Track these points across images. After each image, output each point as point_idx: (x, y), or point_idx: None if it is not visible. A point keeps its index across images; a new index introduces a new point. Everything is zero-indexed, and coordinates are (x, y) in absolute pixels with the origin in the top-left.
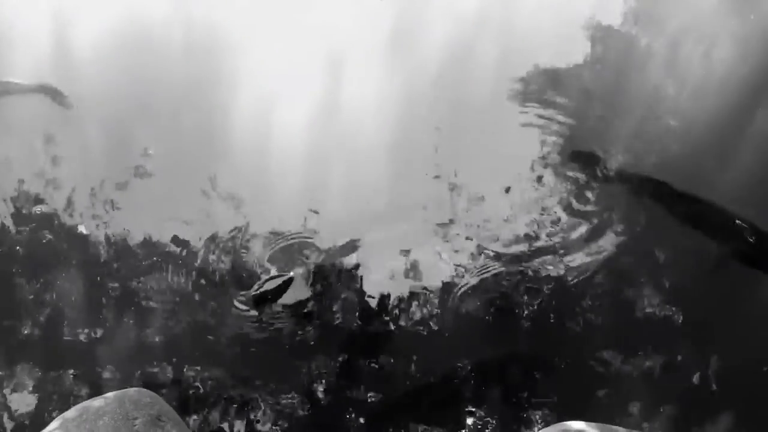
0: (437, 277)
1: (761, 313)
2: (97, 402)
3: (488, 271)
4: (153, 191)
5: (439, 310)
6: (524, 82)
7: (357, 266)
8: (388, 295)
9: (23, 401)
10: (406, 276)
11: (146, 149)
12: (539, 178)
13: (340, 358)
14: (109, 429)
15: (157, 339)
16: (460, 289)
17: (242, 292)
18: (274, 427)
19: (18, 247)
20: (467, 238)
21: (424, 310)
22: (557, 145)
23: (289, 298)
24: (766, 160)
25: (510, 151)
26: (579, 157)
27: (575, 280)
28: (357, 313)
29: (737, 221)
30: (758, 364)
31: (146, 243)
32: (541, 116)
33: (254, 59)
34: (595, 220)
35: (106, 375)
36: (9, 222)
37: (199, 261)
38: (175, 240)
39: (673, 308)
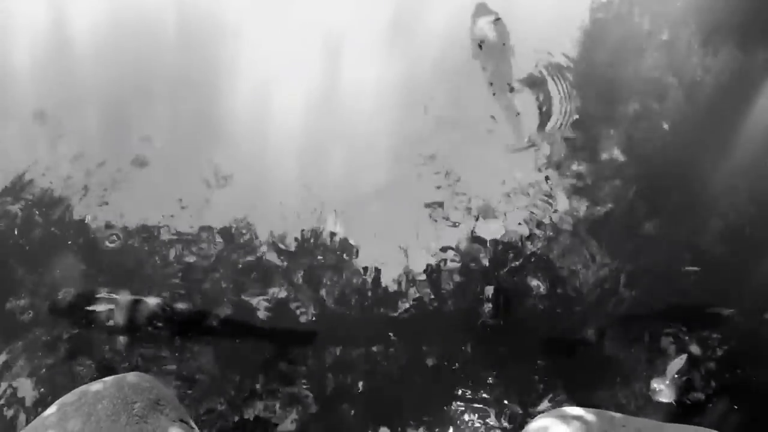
0: (426, 262)
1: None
2: (95, 386)
3: (480, 258)
4: (151, 177)
5: (431, 296)
6: (522, 70)
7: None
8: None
9: (22, 387)
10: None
11: (147, 135)
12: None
13: (335, 349)
14: (108, 413)
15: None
16: (449, 275)
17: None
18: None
19: (15, 232)
20: (458, 224)
21: (414, 297)
22: (554, 134)
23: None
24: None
25: (508, 139)
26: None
27: (570, 270)
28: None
29: None
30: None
31: (144, 229)
32: (537, 104)
33: (251, 43)
34: (592, 208)
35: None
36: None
37: (195, 249)
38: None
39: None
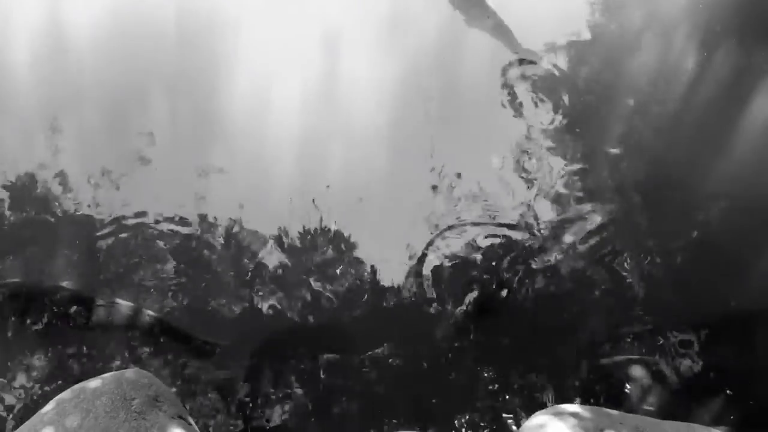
0: (428, 262)
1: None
2: (93, 383)
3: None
4: (151, 175)
5: (434, 294)
6: (519, 67)
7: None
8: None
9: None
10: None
11: (145, 131)
12: (530, 160)
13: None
14: (106, 409)
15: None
16: (447, 273)
17: None
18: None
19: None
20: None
21: (416, 295)
22: (551, 132)
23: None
24: (762, 155)
25: (504, 135)
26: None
27: (567, 267)
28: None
29: None
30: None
31: (145, 226)
32: (535, 101)
33: (250, 39)
34: (587, 207)
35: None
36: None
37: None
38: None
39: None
